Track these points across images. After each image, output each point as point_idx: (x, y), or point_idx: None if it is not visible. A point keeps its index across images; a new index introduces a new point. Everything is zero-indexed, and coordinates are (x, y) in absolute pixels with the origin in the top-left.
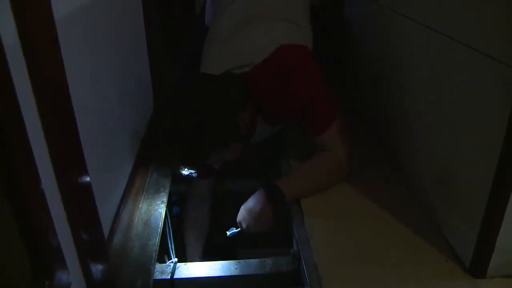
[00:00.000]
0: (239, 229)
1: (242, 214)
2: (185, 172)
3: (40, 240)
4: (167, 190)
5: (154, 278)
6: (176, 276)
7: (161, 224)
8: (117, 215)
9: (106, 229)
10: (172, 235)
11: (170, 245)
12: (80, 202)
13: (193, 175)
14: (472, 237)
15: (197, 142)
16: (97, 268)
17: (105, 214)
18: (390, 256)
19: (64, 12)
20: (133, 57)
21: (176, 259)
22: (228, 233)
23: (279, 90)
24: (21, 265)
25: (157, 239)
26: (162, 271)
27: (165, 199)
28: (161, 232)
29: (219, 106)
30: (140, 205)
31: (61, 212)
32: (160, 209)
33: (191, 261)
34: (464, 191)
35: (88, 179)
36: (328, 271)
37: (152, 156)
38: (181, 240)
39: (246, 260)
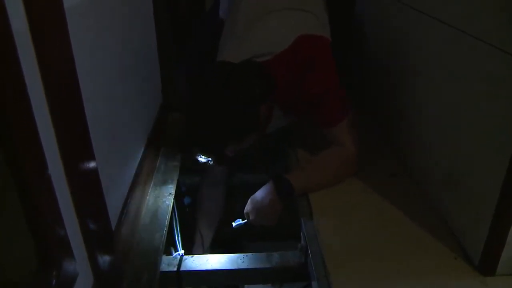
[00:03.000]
0: (245, 220)
1: (250, 205)
2: (203, 159)
3: (47, 230)
4: (174, 182)
5: (161, 270)
6: (182, 268)
7: (168, 216)
8: (124, 206)
9: (113, 221)
10: (179, 228)
11: (177, 238)
12: (88, 193)
13: (210, 162)
14: (482, 234)
15: (218, 133)
16: (104, 259)
17: (113, 206)
18: (398, 252)
19: (74, 1)
20: (143, 49)
21: (182, 251)
22: (234, 224)
23: (297, 80)
24: (28, 255)
25: (164, 232)
26: (168, 263)
27: (172, 191)
28: (168, 224)
29: (243, 99)
30: (148, 197)
31: (68, 203)
32: (168, 201)
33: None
34: (474, 188)
35: (96, 169)
36: (336, 265)
37: (160, 149)
38: (191, 230)
39: (253, 253)
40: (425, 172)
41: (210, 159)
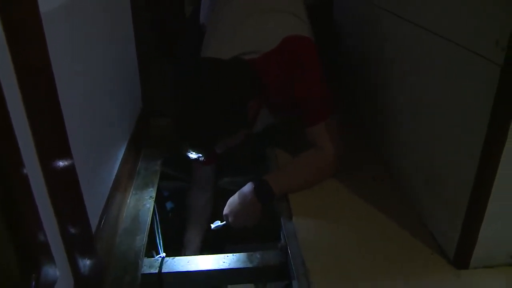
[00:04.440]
0: (224, 222)
1: (228, 207)
2: (193, 155)
3: (26, 232)
4: (155, 186)
5: (142, 272)
6: (164, 270)
7: (149, 219)
8: (105, 209)
9: (93, 224)
10: (160, 231)
11: (158, 241)
12: (67, 196)
13: (200, 158)
14: (456, 231)
15: (207, 128)
16: (84, 262)
17: (93, 209)
18: (377, 250)
19: (50, 6)
20: (122, 53)
21: (164, 254)
22: (212, 226)
23: (283, 80)
24: (8, 258)
25: (145, 234)
26: (150, 265)
27: (153, 194)
28: (149, 227)
29: (231, 94)
30: (128, 200)
31: (47, 205)
32: (148, 204)
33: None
34: (448, 188)
35: (75, 171)
36: (315, 264)
37: (141, 152)
38: (174, 234)
39: (234, 254)
40: (404, 174)
41: (201, 155)
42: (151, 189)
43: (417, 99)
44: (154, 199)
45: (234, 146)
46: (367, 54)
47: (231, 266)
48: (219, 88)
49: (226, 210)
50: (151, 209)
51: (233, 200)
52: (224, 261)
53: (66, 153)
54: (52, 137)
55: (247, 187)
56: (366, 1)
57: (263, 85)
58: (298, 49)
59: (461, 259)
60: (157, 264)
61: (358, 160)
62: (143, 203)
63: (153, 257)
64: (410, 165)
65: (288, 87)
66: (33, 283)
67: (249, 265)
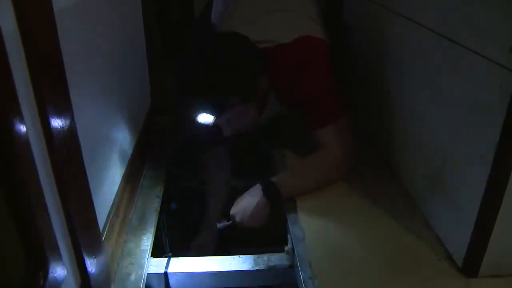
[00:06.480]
0: (230, 221)
1: (236, 207)
2: (203, 119)
3: (35, 231)
4: (162, 185)
5: (148, 272)
6: (170, 270)
7: (156, 218)
8: (112, 208)
9: (101, 223)
10: (167, 231)
11: (165, 240)
12: (76, 195)
13: (210, 123)
14: (465, 237)
15: (220, 83)
16: (91, 261)
17: (101, 208)
18: (384, 256)
19: (64, 4)
20: (132, 54)
21: (170, 254)
22: (218, 224)
23: (292, 76)
24: (15, 256)
25: (152, 233)
26: (156, 265)
27: (160, 194)
28: (156, 226)
29: (246, 58)
30: (136, 200)
31: (56, 204)
32: (155, 203)
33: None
34: (458, 192)
35: (84, 170)
36: (322, 268)
37: (147, 152)
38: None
39: (241, 256)
40: (411, 177)
41: (210, 121)
42: (158, 188)
43: (426, 102)
44: (161, 198)
45: (243, 127)
46: (375, 56)
47: (237, 268)
48: (235, 50)
49: (233, 210)
50: (158, 209)
51: (241, 199)
52: (231, 263)
53: (75, 151)
54: (63, 137)
55: (256, 188)
56: (376, 5)
57: (273, 74)
58: (310, 48)
59: (470, 267)
60: (164, 264)
61: (364, 163)
62: (150, 202)
63: (160, 257)
64: (418, 168)
65: (295, 84)
66: (41, 281)
67: (256, 268)
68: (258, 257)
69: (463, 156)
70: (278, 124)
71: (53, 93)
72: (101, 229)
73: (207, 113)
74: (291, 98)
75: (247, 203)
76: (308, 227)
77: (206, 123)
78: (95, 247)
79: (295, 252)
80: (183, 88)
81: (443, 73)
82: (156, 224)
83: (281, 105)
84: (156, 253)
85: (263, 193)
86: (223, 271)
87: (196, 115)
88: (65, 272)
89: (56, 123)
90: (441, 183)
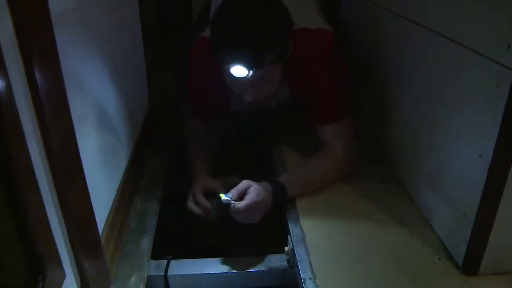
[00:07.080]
0: (236, 202)
1: (250, 192)
2: (236, 73)
3: (33, 235)
4: (162, 187)
5: (148, 274)
6: (170, 272)
7: (155, 220)
8: (111, 210)
9: (100, 225)
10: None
11: (164, 242)
12: (74, 196)
13: (244, 77)
14: (465, 236)
15: (258, 36)
16: (90, 263)
17: (100, 210)
18: (384, 255)
19: (62, 8)
20: (130, 57)
21: (170, 256)
22: (223, 196)
23: (304, 66)
24: (14, 260)
25: (151, 235)
26: (156, 267)
27: (159, 196)
28: (155, 228)
29: (282, 13)
30: (135, 201)
31: (56, 208)
32: (155, 205)
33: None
34: (457, 191)
35: (82, 171)
36: (322, 269)
37: (148, 153)
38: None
39: (240, 257)
40: (411, 176)
41: (243, 75)
42: (157, 190)
43: (425, 101)
44: (160, 200)
45: (267, 92)
46: (374, 55)
47: (237, 270)
48: (273, 10)
49: (248, 200)
50: (158, 211)
51: (256, 193)
52: (231, 264)
53: (74, 154)
54: (61, 140)
55: (264, 184)
56: (374, 4)
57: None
58: (335, 42)
59: (470, 265)
60: (163, 266)
61: (364, 162)
62: (149, 204)
63: (160, 259)
64: (417, 167)
65: (306, 74)
66: (40, 285)
67: (256, 269)
68: (258, 258)
69: (462, 155)
70: (277, 120)
71: (51, 99)
72: (100, 231)
73: (243, 66)
74: (302, 86)
75: (264, 202)
76: (308, 228)
77: (240, 76)
78: (95, 251)
79: (295, 253)
80: (217, 41)
81: (442, 71)
82: (155, 226)
83: (290, 88)
84: (155, 255)
85: (271, 192)
86: (223, 273)
87: (231, 68)
88: (65, 276)
89: (55, 126)
90: (440, 182)
